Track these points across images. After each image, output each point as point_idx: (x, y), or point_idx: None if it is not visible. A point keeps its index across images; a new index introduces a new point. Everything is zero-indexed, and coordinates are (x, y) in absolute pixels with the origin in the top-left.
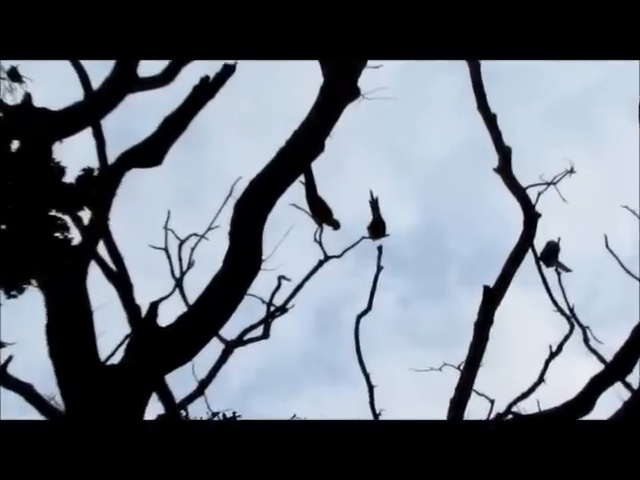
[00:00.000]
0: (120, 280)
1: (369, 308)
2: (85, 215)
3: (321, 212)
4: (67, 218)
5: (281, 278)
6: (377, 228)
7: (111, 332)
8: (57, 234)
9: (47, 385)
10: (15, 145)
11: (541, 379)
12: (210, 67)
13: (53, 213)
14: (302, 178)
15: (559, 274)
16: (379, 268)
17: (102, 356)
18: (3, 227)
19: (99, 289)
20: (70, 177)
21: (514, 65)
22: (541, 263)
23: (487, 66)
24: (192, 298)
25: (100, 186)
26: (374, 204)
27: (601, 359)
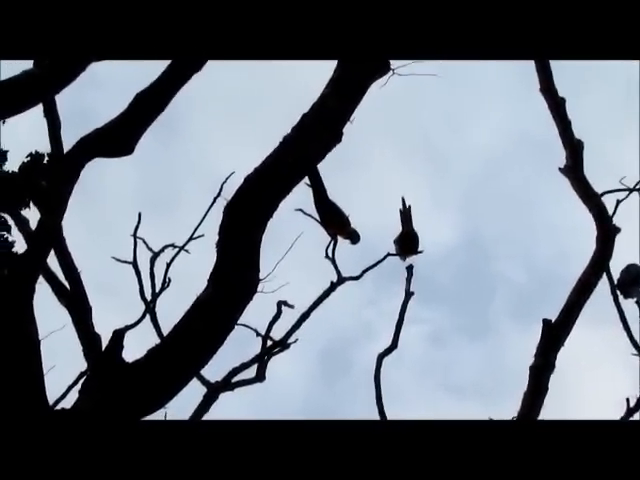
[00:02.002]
0: (75, 301)
1: (394, 345)
2: (32, 215)
3: (334, 221)
4: (8, 217)
5: (282, 304)
6: (407, 242)
7: (62, 367)
8: None
9: None
10: None
11: None
12: None
13: None
14: (306, 179)
15: None
16: (408, 294)
17: (50, 398)
18: None
19: (48, 312)
20: (13, 164)
21: None
22: (618, 293)
23: None
24: (167, 327)
25: (52, 178)
26: (406, 218)
27: None
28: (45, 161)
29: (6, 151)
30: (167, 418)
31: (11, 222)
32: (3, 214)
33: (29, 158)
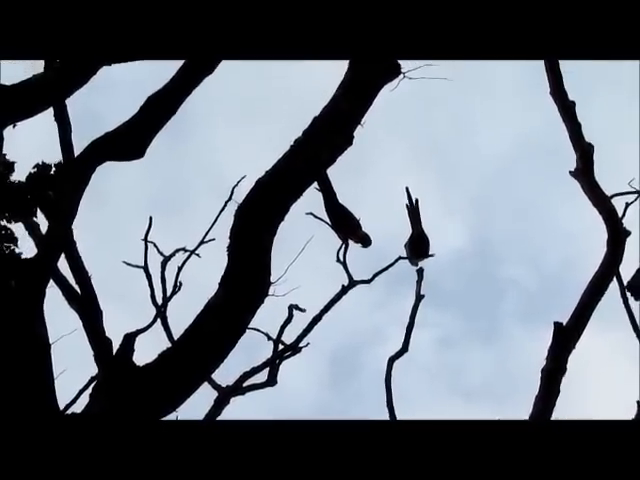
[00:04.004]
0: (86, 305)
1: (405, 349)
2: (42, 220)
3: (346, 224)
4: (16, 226)
5: (293, 308)
6: (418, 246)
7: (73, 372)
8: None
9: None
10: None
11: None
12: None
13: None
14: (315, 183)
15: None
16: (419, 297)
17: (61, 403)
18: None
19: (59, 316)
20: (22, 171)
21: None
22: (629, 295)
23: None
24: (178, 331)
25: (62, 182)
26: (414, 214)
27: None
28: (52, 171)
29: (13, 162)
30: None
31: (18, 233)
32: (9, 226)
33: (36, 169)
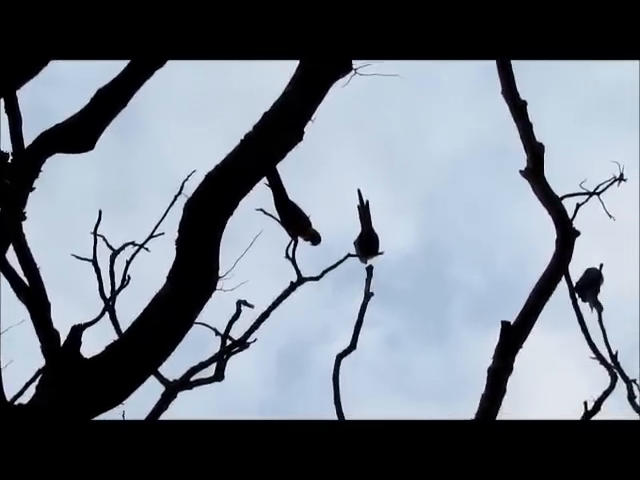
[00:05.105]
0: (34, 297)
1: (353, 346)
2: None
3: (295, 222)
4: None
5: (241, 303)
6: (368, 243)
7: (20, 363)
8: None
9: None
10: None
11: None
12: None
13: None
14: (265, 179)
15: (600, 311)
16: (368, 295)
17: (8, 394)
18: None
19: (6, 307)
20: None
21: None
22: (577, 295)
23: None
24: (126, 324)
25: (14, 176)
26: (364, 212)
27: None
28: (9, 160)
29: None
30: (125, 416)
31: None
32: None
33: None
